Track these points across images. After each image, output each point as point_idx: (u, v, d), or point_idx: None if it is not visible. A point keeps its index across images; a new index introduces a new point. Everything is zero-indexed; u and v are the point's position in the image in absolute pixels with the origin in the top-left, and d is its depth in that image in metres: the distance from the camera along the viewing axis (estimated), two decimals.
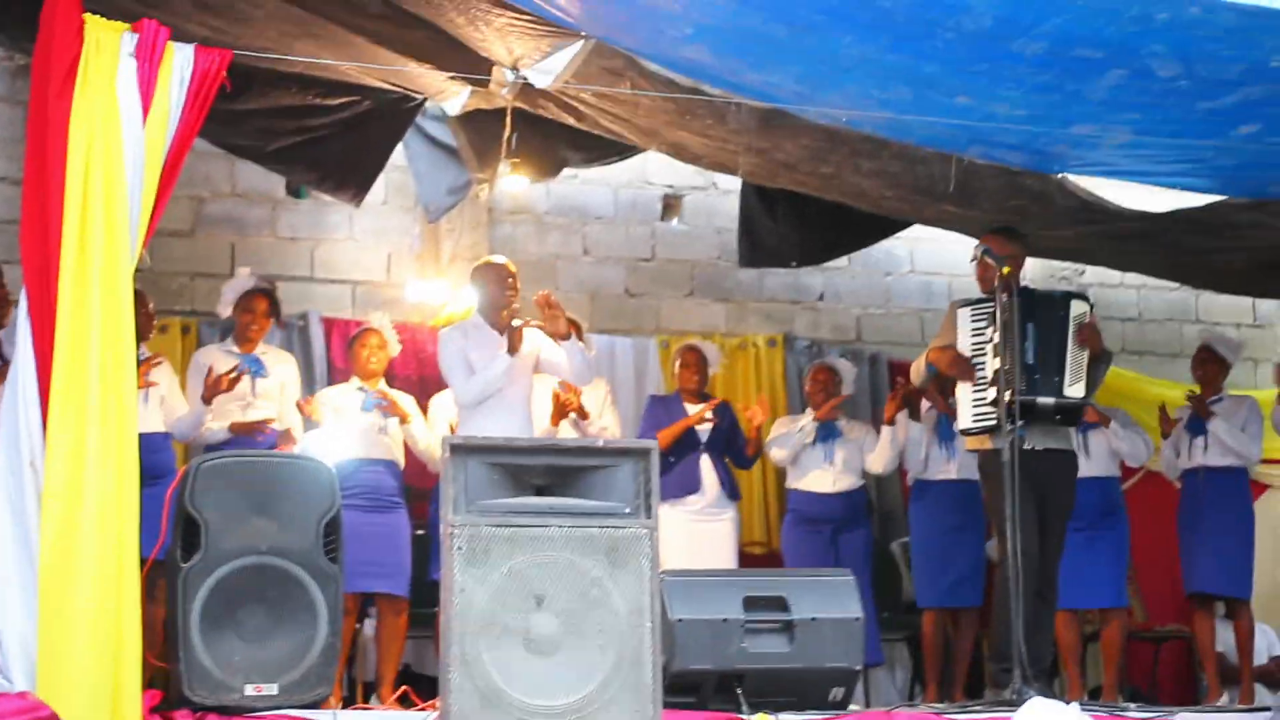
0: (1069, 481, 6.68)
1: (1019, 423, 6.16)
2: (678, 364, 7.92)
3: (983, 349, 6.47)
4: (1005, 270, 6.21)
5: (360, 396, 7.02)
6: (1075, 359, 6.52)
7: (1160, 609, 9.37)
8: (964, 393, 6.57)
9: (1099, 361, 6.68)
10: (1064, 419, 6.60)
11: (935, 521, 7.70)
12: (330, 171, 7.33)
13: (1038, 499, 6.42)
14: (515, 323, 6.44)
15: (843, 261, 9.35)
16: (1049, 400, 6.45)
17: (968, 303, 6.66)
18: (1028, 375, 6.41)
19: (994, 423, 6.36)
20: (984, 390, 6.44)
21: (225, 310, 7.12)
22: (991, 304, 6.35)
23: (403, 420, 7.01)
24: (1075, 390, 6.52)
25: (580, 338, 6.83)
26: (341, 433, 6.89)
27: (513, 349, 6.41)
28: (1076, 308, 6.59)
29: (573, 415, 7.25)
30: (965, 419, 6.57)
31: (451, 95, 6.74)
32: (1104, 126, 5.93)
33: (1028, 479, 6.25)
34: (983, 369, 6.47)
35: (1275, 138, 5.91)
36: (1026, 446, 6.26)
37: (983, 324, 6.51)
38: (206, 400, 6.73)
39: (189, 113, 4.81)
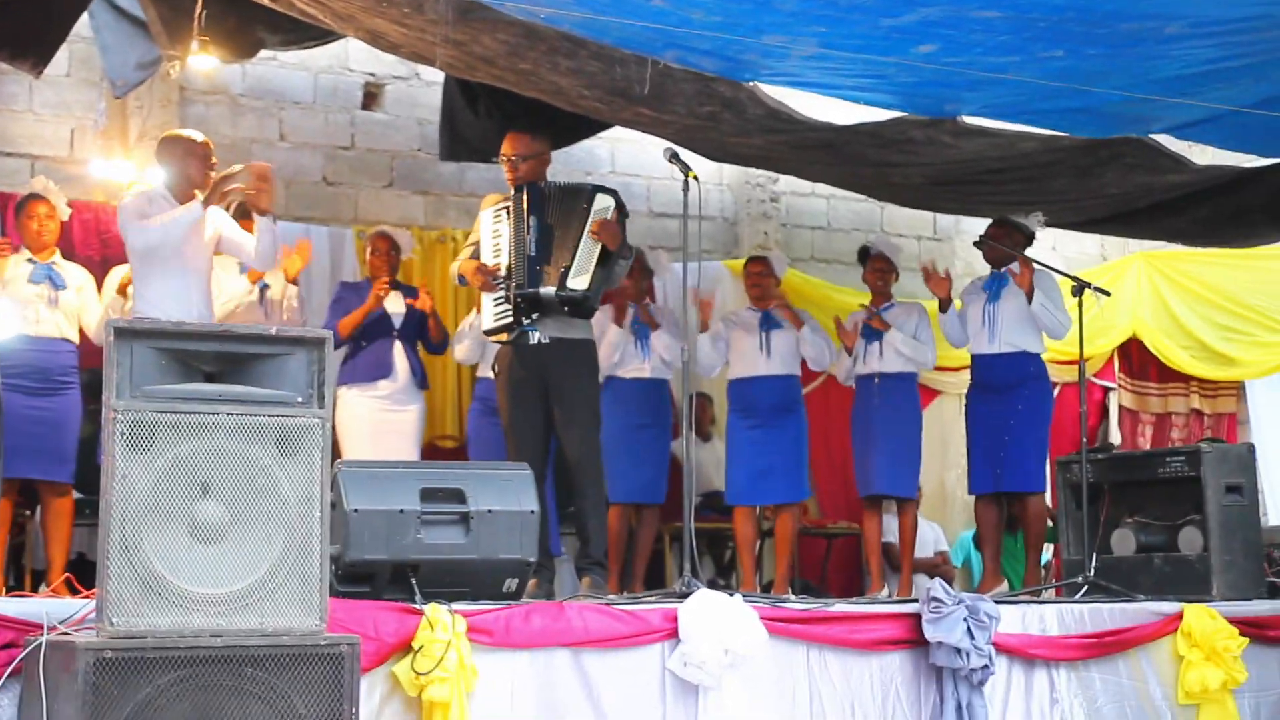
0: (581, 370, 6.62)
1: (533, 318, 6.35)
2: (368, 250, 7.84)
3: (500, 248, 6.59)
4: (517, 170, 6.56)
5: (29, 268, 6.72)
6: (586, 251, 6.51)
7: (834, 507, 9.79)
8: (486, 294, 6.64)
9: (617, 257, 6.60)
10: (572, 311, 6.53)
11: (623, 418, 7.72)
12: (7, 39, 6.94)
13: (546, 394, 6.47)
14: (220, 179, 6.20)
15: None
16: (550, 290, 6.45)
17: (491, 204, 6.77)
18: (529, 267, 6.49)
19: (510, 320, 6.48)
20: (501, 287, 6.52)
21: None
22: (508, 202, 6.54)
23: None
24: (578, 282, 6.46)
25: None
26: (7, 306, 6.58)
27: (210, 200, 6.16)
28: (600, 202, 6.61)
29: (256, 288, 7.17)
30: (487, 319, 6.63)
31: None
32: (793, 38, 6.07)
33: (536, 374, 6.41)
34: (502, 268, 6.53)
35: (951, 58, 6.16)
36: (533, 342, 6.40)
37: (500, 224, 6.62)
38: None
39: None
